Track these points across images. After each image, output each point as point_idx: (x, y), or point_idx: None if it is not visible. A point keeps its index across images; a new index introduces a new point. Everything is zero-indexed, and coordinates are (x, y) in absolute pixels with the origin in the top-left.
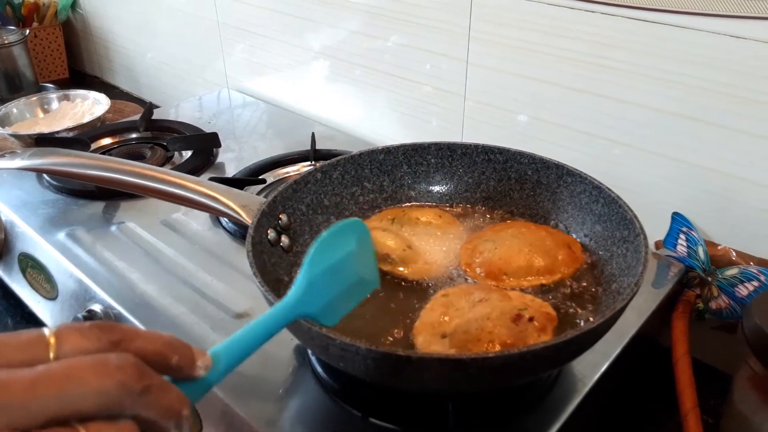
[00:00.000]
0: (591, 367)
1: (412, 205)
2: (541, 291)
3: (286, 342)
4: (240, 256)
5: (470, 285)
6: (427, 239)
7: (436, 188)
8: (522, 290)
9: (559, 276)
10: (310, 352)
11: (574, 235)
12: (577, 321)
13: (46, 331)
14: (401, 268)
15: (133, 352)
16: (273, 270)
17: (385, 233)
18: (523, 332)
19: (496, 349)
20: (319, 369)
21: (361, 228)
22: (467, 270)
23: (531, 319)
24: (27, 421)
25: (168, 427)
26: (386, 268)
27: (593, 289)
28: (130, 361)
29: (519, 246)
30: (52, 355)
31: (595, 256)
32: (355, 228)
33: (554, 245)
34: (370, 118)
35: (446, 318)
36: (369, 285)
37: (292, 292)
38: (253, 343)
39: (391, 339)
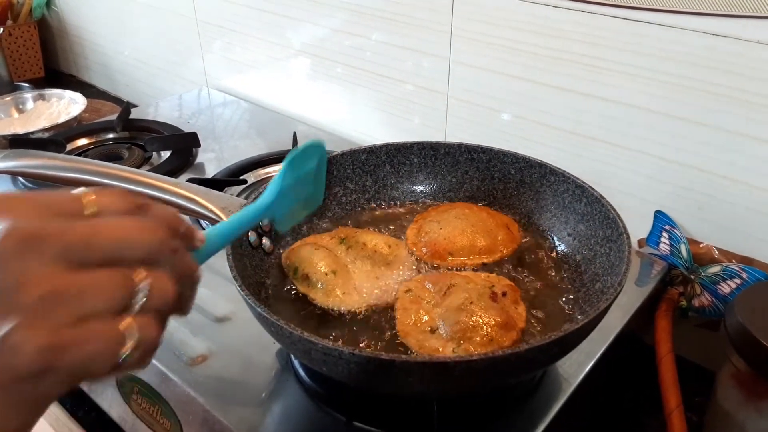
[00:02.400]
0: (576, 366)
1: (368, 230)
2: (482, 270)
3: (268, 346)
4: (220, 260)
5: (424, 275)
6: (363, 267)
7: (419, 188)
8: (463, 269)
9: (499, 255)
10: (292, 356)
11: (557, 236)
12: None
13: (81, 190)
14: (313, 293)
15: (153, 215)
16: (254, 273)
17: (320, 252)
18: (505, 307)
19: (497, 331)
20: (302, 373)
21: (322, 150)
22: (414, 250)
23: (504, 294)
24: (91, 258)
25: (187, 283)
26: (302, 288)
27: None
28: (163, 226)
29: (462, 227)
30: (93, 209)
31: (578, 255)
32: (318, 149)
33: (494, 226)
34: (353, 117)
35: (423, 313)
36: (317, 200)
37: (267, 195)
38: (236, 230)
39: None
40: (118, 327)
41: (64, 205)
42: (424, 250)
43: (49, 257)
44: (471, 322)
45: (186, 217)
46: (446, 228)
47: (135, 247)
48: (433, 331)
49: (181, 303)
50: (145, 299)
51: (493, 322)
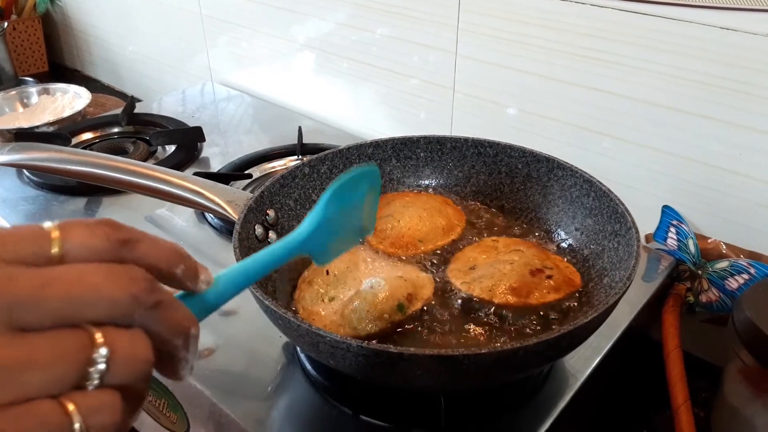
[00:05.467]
0: (583, 361)
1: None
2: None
3: (275, 339)
4: (226, 253)
5: (517, 240)
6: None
7: (425, 182)
8: (438, 251)
9: (460, 229)
10: (299, 349)
11: (564, 230)
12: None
13: (49, 223)
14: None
15: (140, 254)
16: None
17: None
18: (536, 284)
19: (501, 288)
20: (308, 366)
21: (376, 176)
22: (380, 249)
23: (549, 277)
24: (36, 319)
25: (177, 344)
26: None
27: None
28: (142, 275)
29: (417, 213)
30: (56, 249)
31: (586, 249)
32: (371, 175)
33: (439, 204)
34: (358, 112)
35: (484, 255)
36: (365, 231)
37: (304, 228)
38: (256, 271)
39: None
40: (61, 412)
41: (21, 243)
42: (392, 249)
43: None
44: (491, 273)
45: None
46: (403, 219)
47: (97, 302)
48: (471, 268)
49: (172, 366)
50: (104, 369)
51: (505, 283)
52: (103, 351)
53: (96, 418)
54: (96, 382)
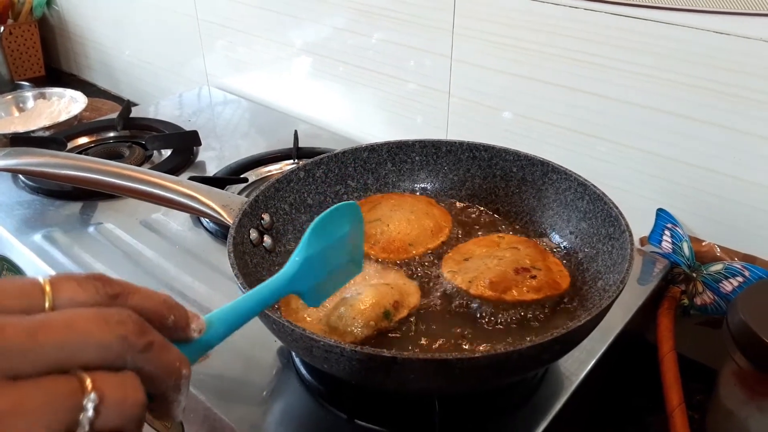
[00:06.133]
0: (577, 364)
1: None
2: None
3: (269, 344)
4: (222, 257)
5: (521, 239)
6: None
7: (421, 186)
8: (428, 253)
9: (447, 230)
10: (293, 354)
11: (559, 233)
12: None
13: (41, 278)
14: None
15: (130, 307)
16: (255, 271)
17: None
18: (516, 282)
19: (480, 281)
20: (303, 371)
21: (356, 211)
22: (371, 254)
23: (533, 277)
24: (25, 367)
25: (168, 386)
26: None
27: None
28: (131, 317)
29: (405, 216)
30: (47, 304)
31: (580, 253)
32: (350, 211)
33: (425, 206)
34: (354, 116)
35: (484, 249)
36: (354, 269)
37: (288, 268)
38: (246, 313)
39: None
40: None
41: (12, 297)
42: (384, 254)
43: None
44: (476, 266)
45: (178, 302)
46: (392, 223)
47: (86, 346)
48: (466, 259)
49: (164, 409)
50: (94, 415)
51: (485, 276)
52: (93, 396)
53: None
54: (86, 429)
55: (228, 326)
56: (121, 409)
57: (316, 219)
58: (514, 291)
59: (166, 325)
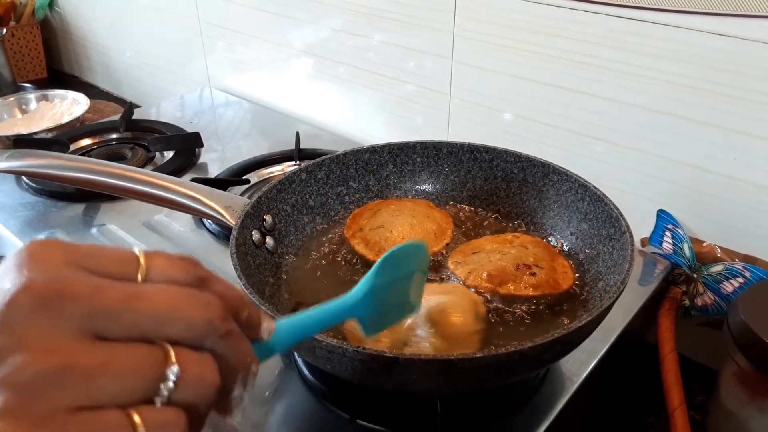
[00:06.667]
0: (579, 365)
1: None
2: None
3: None
4: (224, 258)
5: (535, 239)
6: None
7: (422, 187)
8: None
9: (450, 232)
10: (296, 354)
11: (560, 234)
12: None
13: (136, 250)
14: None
15: (214, 293)
16: (258, 272)
17: None
18: (514, 277)
19: (478, 273)
20: (305, 371)
21: (425, 253)
22: (375, 260)
23: (533, 275)
24: (116, 330)
25: (236, 377)
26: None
27: None
28: (218, 302)
29: (408, 221)
30: (140, 276)
31: (581, 254)
32: (421, 252)
33: (425, 209)
34: (355, 117)
35: (495, 246)
36: (411, 309)
37: (357, 291)
38: (311, 327)
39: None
40: (127, 422)
41: (111, 263)
42: None
43: (67, 322)
44: (479, 260)
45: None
46: (395, 229)
47: (175, 321)
48: (474, 252)
49: (225, 403)
50: (173, 387)
51: (483, 269)
52: (175, 369)
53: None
54: (164, 398)
55: (292, 337)
56: (198, 386)
57: (390, 251)
58: (510, 285)
59: (240, 319)
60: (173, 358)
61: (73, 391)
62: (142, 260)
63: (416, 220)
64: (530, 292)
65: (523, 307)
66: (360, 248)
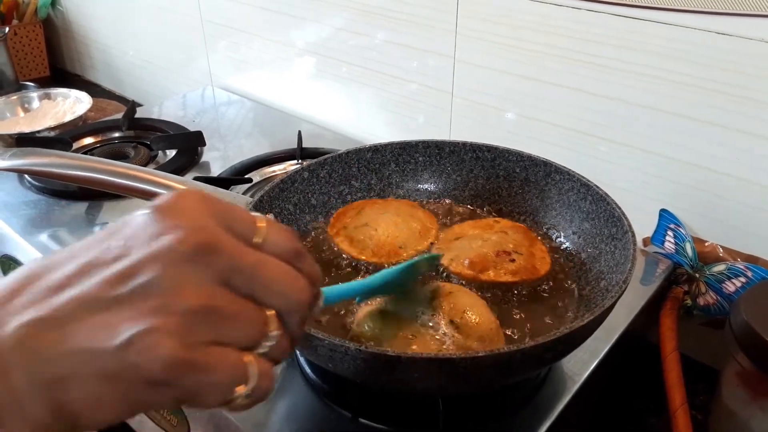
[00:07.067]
0: (580, 364)
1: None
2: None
3: None
4: None
5: (515, 224)
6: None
7: (424, 186)
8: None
9: (434, 231)
10: (298, 353)
11: (562, 234)
12: None
13: (257, 215)
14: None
15: (303, 266)
16: None
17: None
18: (494, 264)
19: (460, 260)
20: (307, 370)
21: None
22: (362, 259)
23: (512, 261)
24: (242, 287)
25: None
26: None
27: None
28: (309, 289)
29: (392, 220)
30: (258, 239)
31: (583, 253)
32: (436, 261)
33: (410, 208)
34: (357, 116)
35: (477, 231)
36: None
37: (385, 273)
38: (344, 293)
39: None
40: (243, 363)
41: (240, 223)
42: (373, 255)
43: (214, 272)
44: (459, 246)
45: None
46: (380, 227)
47: (280, 295)
48: (456, 239)
49: None
50: (268, 347)
51: (464, 256)
52: (275, 334)
53: (261, 381)
54: (264, 351)
55: (330, 300)
56: (283, 352)
57: (421, 257)
58: (491, 272)
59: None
60: (274, 323)
61: (213, 327)
62: (260, 224)
63: (401, 218)
64: (510, 278)
65: (505, 294)
66: (344, 246)
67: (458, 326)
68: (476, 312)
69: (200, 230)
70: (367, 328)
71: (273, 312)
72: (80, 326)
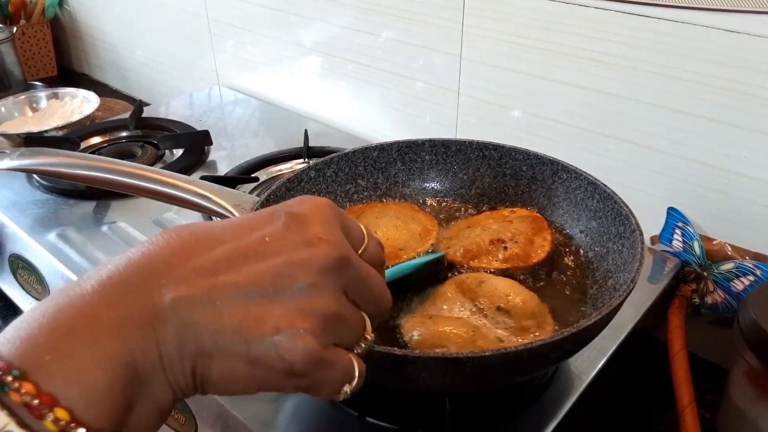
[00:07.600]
0: (588, 363)
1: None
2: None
3: None
4: None
5: (526, 214)
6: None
7: (430, 185)
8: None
9: (435, 233)
10: None
11: (569, 232)
12: None
13: (365, 230)
14: None
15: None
16: None
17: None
18: (487, 252)
19: (455, 247)
20: None
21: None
22: None
23: (505, 248)
24: (354, 296)
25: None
26: None
27: None
28: (390, 303)
29: (392, 222)
30: (361, 249)
31: (590, 252)
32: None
33: (409, 211)
34: (364, 115)
35: (490, 221)
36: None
37: (405, 265)
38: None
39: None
40: (353, 361)
41: (354, 233)
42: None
43: (343, 281)
44: (458, 234)
45: None
46: (380, 230)
47: (376, 305)
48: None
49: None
50: (363, 347)
51: (459, 245)
52: (370, 338)
53: (359, 380)
54: (359, 351)
55: None
56: (368, 351)
57: (416, 259)
58: (483, 259)
59: None
60: (370, 326)
61: (338, 330)
62: (365, 238)
63: (401, 221)
64: (499, 265)
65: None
66: None
67: (507, 311)
68: (517, 292)
69: (340, 246)
70: (417, 336)
71: (366, 316)
72: (236, 311)
